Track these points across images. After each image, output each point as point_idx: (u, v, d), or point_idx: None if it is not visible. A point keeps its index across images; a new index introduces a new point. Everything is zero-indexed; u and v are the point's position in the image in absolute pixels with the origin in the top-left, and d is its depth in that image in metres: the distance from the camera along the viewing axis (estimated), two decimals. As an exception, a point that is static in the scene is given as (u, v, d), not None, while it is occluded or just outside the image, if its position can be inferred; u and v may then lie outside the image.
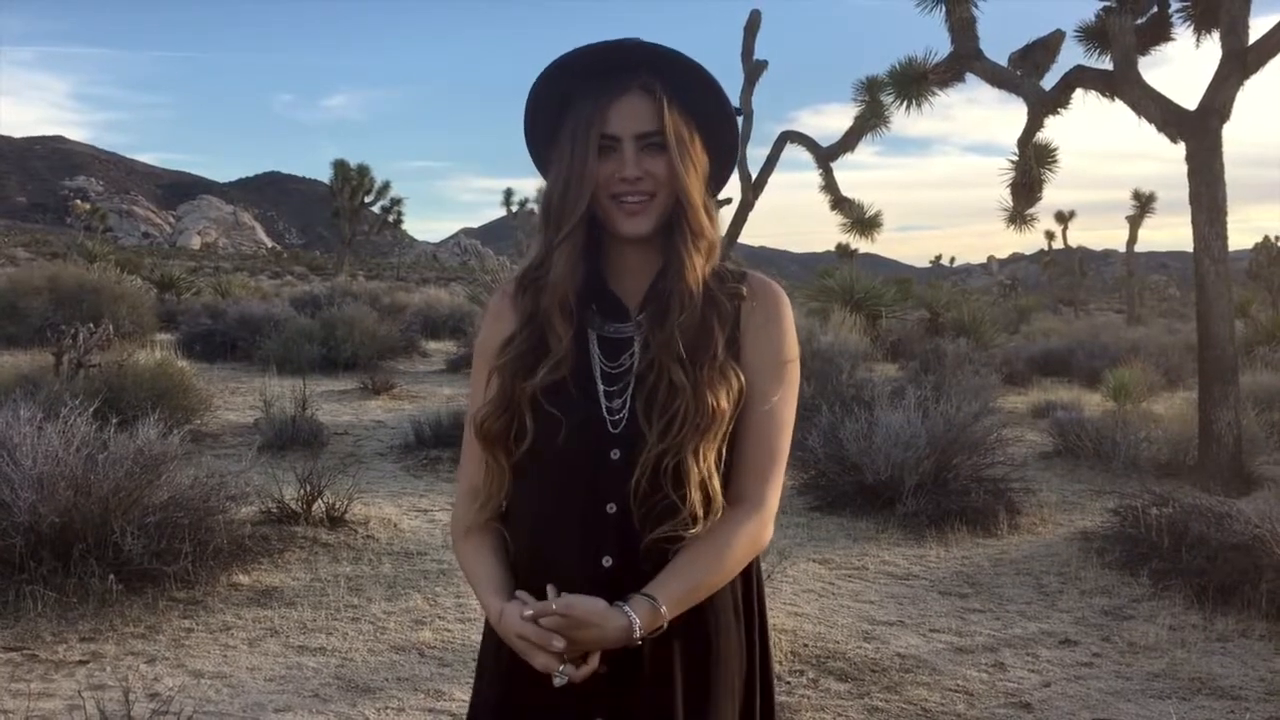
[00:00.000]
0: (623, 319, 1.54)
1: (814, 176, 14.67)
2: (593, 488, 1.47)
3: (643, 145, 1.48)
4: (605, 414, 1.48)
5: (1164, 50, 9.67)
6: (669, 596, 1.42)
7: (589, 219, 1.51)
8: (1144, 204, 35.71)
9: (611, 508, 1.45)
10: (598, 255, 1.56)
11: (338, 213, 41.52)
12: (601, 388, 1.50)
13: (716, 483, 1.46)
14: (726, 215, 14.56)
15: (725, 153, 1.58)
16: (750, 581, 1.57)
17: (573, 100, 1.51)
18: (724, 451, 1.48)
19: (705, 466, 1.44)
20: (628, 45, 1.49)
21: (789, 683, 3.97)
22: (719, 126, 1.55)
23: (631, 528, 1.44)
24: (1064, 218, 43.77)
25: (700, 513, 1.43)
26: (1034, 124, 10.35)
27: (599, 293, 1.55)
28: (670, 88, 1.50)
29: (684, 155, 1.49)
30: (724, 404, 1.46)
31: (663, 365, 1.46)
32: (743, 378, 1.50)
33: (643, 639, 1.41)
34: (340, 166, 41.32)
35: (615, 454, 1.47)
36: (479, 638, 1.67)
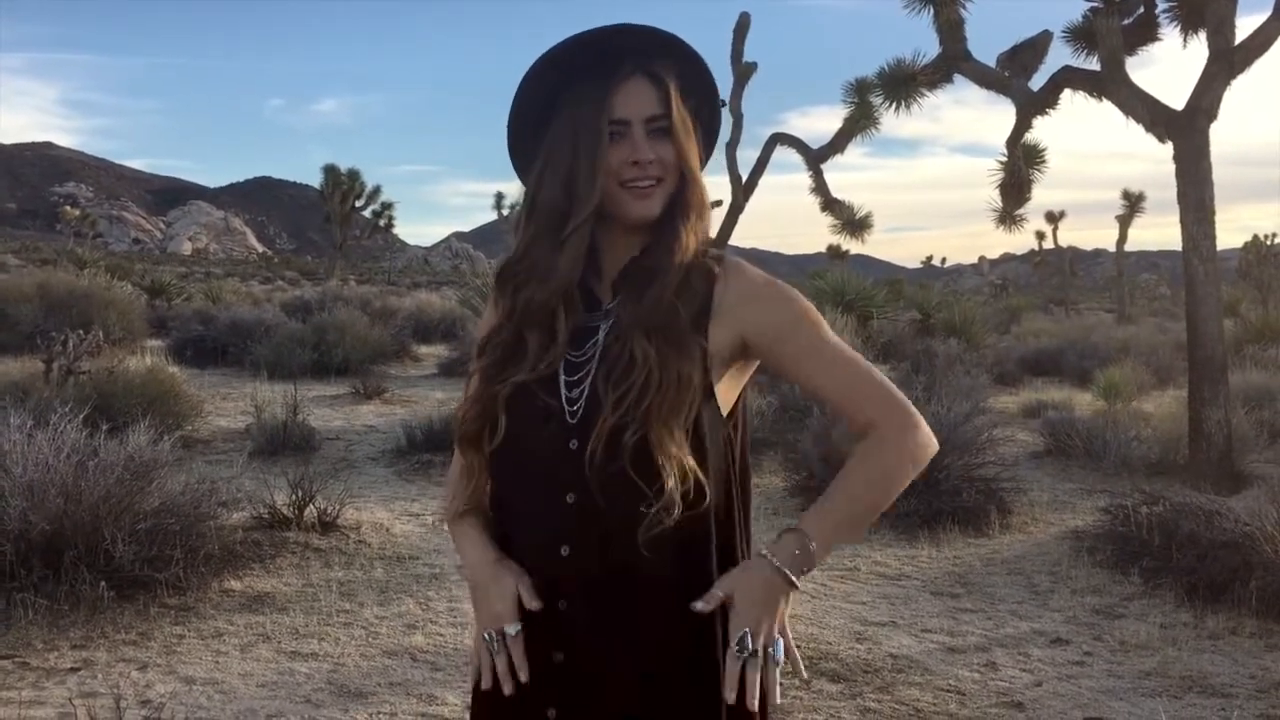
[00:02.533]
0: (594, 308, 1.53)
1: (804, 178, 14.71)
2: (553, 480, 1.45)
3: (650, 129, 1.48)
4: (564, 404, 1.47)
5: (1151, 50, 9.73)
6: (818, 528, 1.42)
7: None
8: (1133, 204, 35.79)
9: (570, 498, 1.44)
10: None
11: (329, 217, 41.50)
12: (563, 378, 1.48)
13: (690, 460, 1.41)
14: (717, 217, 14.64)
15: (709, 141, 1.60)
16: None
17: (567, 89, 1.50)
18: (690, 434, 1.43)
19: (677, 447, 1.40)
20: (625, 30, 1.48)
21: (781, 684, 3.97)
22: (708, 113, 1.57)
23: (591, 514, 1.43)
24: (1054, 218, 43.85)
25: (676, 497, 1.38)
26: (1022, 124, 10.39)
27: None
28: (671, 71, 1.50)
29: (688, 137, 1.50)
30: (689, 372, 1.43)
31: (628, 338, 1.44)
32: (707, 347, 1.47)
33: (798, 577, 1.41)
34: (331, 171, 41.25)
35: (573, 444, 1.44)
36: (471, 642, 1.67)
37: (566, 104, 1.49)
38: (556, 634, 1.46)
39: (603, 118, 1.47)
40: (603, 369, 1.45)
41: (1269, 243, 34.92)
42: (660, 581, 1.44)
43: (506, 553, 1.52)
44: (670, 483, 1.39)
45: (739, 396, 1.55)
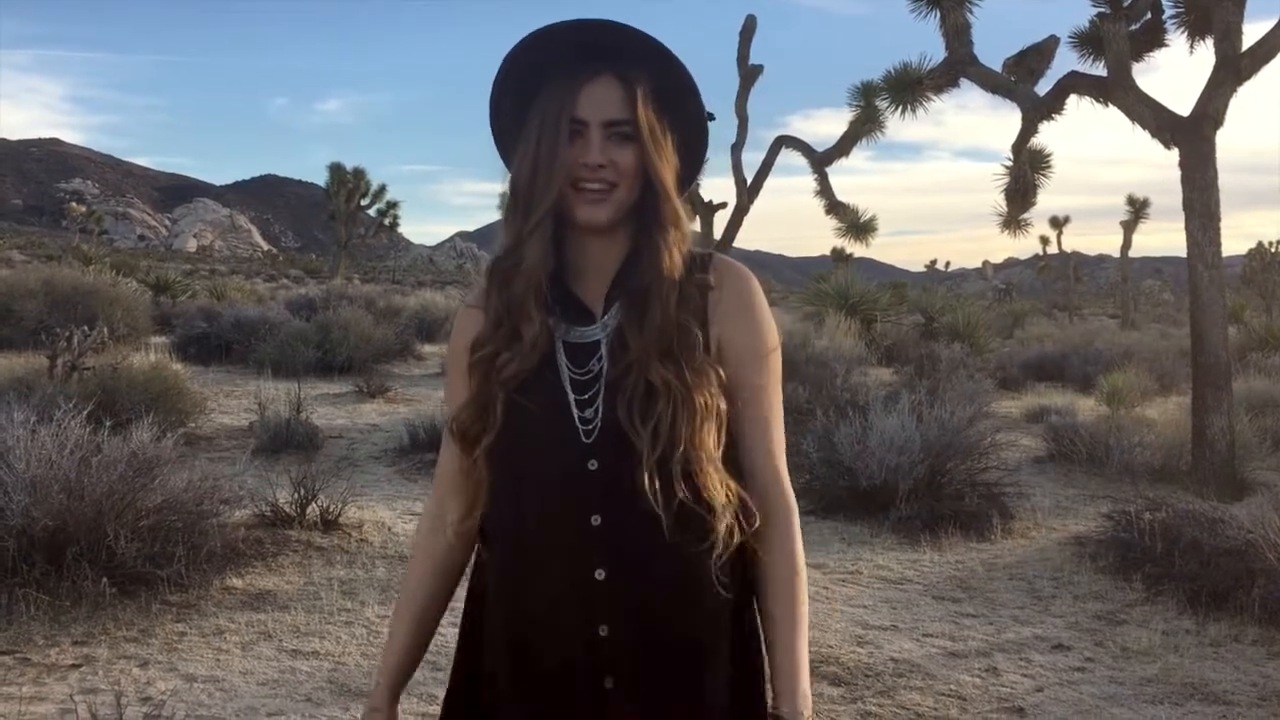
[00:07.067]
0: (587, 322, 1.47)
1: (809, 181, 14.71)
2: (573, 502, 1.41)
3: (610, 134, 1.42)
4: (578, 423, 1.42)
5: (1158, 56, 9.72)
6: (792, 694, 1.44)
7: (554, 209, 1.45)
8: (1138, 209, 35.77)
9: (596, 520, 1.39)
10: (560, 252, 1.48)
11: (334, 216, 41.48)
12: (572, 397, 1.43)
13: (734, 482, 1.42)
14: (721, 220, 14.65)
15: (693, 155, 1.51)
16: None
17: (544, 81, 1.45)
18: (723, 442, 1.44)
19: (718, 471, 1.40)
20: (605, 26, 1.43)
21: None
22: (691, 127, 1.49)
23: (624, 538, 1.39)
24: (1058, 223, 43.81)
25: (731, 520, 1.40)
26: (1028, 129, 10.39)
27: (562, 296, 1.48)
28: (646, 77, 1.44)
29: (656, 146, 1.43)
30: (712, 399, 1.41)
31: (643, 366, 1.40)
32: (722, 373, 1.44)
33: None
34: (336, 170, 41.23)
35: (593, 464, 1.40)
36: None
37: (540, 98, 1.46)
38: (603, 661, 1.42)
39: (565, 114, 1.43)
40: (622, 396, 1.40)
41: (1273, 250, 34.87)
42: (716, 605, 1.45)
43: (520, 581, 1.46)
44: (720, 503, 1.40)
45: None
